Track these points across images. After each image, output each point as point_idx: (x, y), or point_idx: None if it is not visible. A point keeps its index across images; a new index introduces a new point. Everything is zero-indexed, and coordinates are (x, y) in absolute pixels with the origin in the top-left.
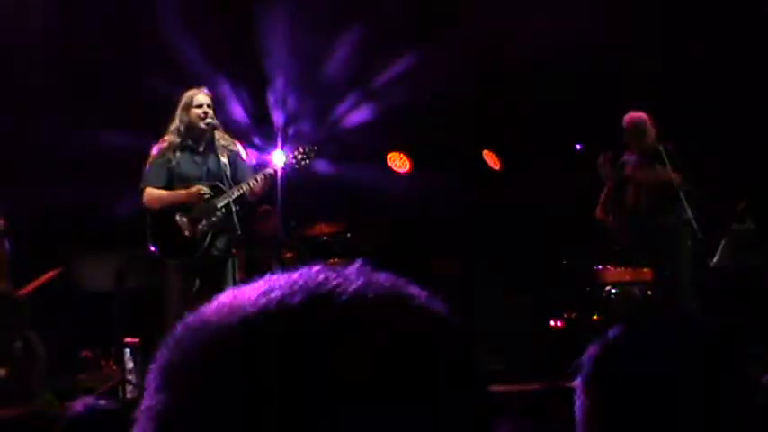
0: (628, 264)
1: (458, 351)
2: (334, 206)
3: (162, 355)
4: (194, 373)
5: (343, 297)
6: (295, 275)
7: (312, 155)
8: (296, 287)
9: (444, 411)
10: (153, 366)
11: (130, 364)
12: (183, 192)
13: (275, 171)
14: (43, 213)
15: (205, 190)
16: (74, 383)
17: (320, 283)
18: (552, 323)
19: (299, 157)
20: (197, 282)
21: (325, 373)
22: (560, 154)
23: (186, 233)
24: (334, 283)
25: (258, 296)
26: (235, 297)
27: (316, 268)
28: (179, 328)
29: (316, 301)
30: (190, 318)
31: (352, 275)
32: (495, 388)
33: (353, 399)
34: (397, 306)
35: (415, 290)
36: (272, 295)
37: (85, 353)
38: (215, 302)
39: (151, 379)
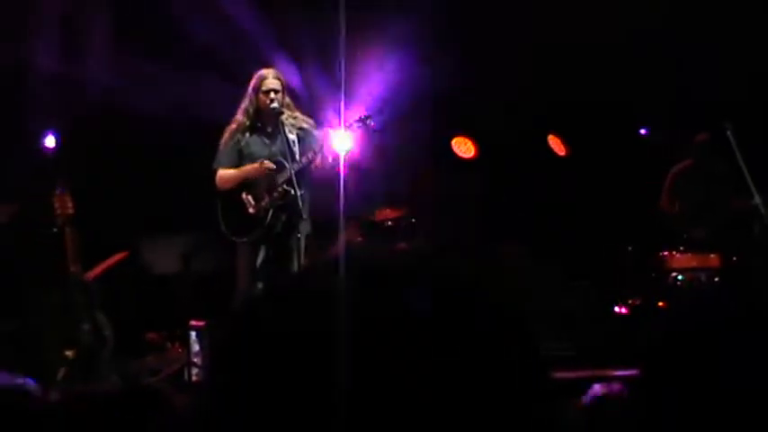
0: (694, 250)
1: (516, 335)
2: (397, 191)
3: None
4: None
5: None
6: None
7: (367, 121)
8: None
9: (503, 394)
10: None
11: (196, 347)
12: (249, 166)
13: (330, 142)
14: (110, 196)
15: (269, 163)
16: (140, 366)
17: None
18: (617, 309)
19: (355, 125)
20: (262, 259)
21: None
22: (626, 138)
23: (251, 210)
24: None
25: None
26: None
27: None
28: (244, 303)
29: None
30: (256, 293)
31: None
32: (560, 374)
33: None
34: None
35: (475, 275)
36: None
37: (151, 335)
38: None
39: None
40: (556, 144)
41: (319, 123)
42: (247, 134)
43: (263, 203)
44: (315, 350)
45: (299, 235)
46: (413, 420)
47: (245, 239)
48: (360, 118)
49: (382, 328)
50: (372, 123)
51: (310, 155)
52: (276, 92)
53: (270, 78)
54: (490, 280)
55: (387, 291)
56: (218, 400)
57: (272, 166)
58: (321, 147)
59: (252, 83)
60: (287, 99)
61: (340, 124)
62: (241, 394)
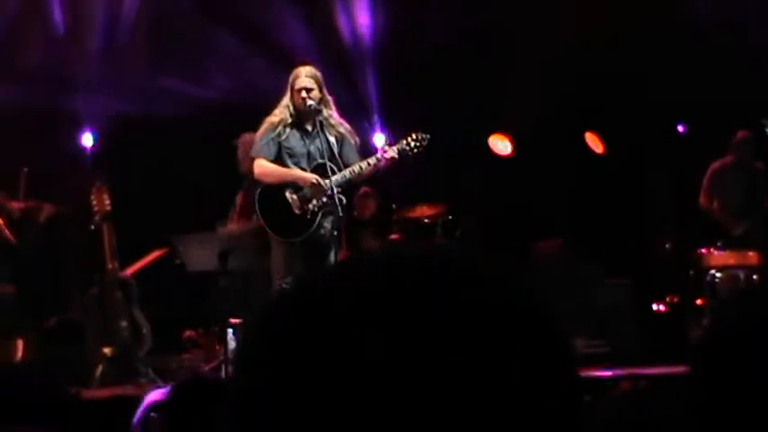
0: (733, 247)
1: (543, 330)
2: (434, 188)
3: (258, 330)
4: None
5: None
6: (388, 254)
7: (425, 143)
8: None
9: (528, 386)
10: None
11: (233, 344)
12: (299, 173)
13: (391, 158)
14: (149, 193)
15: (323, 183)
16: (177, 363)
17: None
18: (655, 307)
19: (413, 144)
20: (301, 260)
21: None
22: (664, 135)
23: (297, 211)
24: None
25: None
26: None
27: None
28: (268, 305)
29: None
30: (279, 296)
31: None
32: (598, 371)
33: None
34: (486, 283)
35: (505, 268)
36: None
37: (189, 333)
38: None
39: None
40: (593, 141)
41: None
42: (288, 129)
43: (310, 206)
44: (342, 348)
45: (334, 233)
46: (441, 418)
47: (291, 240)
48: (417, 138)
49: (405, 325)
50: (426, 144)
51: (363, 165)
52: (308, 90)
53: (302, 77)
54: (516, 277)
55: (408, 288)
56: (240, 400)
57: (326, 186)
58: (377, 160)
59: (289, 80)
60: (326, 96)
61: (395, 143)
62: (263, 394)
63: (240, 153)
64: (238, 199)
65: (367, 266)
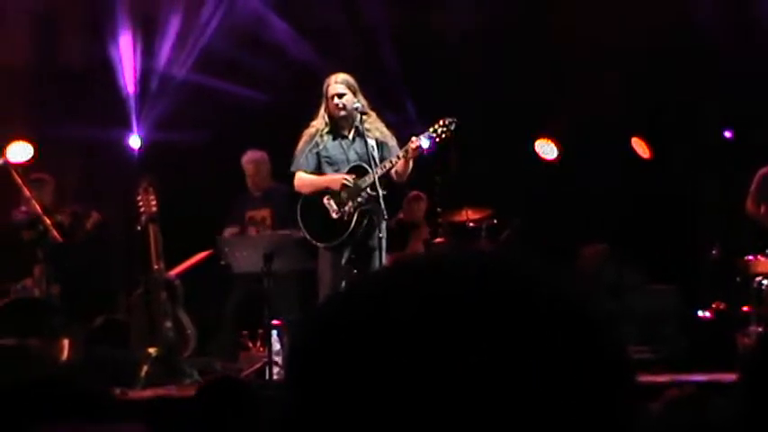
0: None
1: (597, 337)
2: (480, 192)
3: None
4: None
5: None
6: (432, 260)
7: (452, 126)
8: (433, 272)
9: (583, 392)
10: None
11: (277, 346)
12: (329, 177)
13: (417, 146)
14: (195, 195)
15: (348, 179)
16: (222, 364)
17: (458, 270)
18: (701, 313)
19: (440, 130)
20: (345, 264)
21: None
22: (711, 140)
23: (333, 215)
24: (472, 269)
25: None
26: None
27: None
28: (321, 310)
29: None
30: (331, 300)
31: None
32: (643, 377)
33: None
34: (532, 291)
35: (553, 275)
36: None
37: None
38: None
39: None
40: (640, 146)
41: (397, 128)
42: (325, 138)
43: (346, 209)
44: (393, 354)
45: (380, 235)
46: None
47: (328, 244)
48: (443, 123)
49: (467, 334)
50: (454, 128)
51: (393, 160)
52: (341, 95)
53: (334, 84)
54: (573, 283)
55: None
56: (294, 404)
57: (350, 180)
58: (406, 152)
59: (323, 88)
60: (362, 101)
61: (424, 131)
62: (317, 399)
63: (250, 171)
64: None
65: (418, 273)
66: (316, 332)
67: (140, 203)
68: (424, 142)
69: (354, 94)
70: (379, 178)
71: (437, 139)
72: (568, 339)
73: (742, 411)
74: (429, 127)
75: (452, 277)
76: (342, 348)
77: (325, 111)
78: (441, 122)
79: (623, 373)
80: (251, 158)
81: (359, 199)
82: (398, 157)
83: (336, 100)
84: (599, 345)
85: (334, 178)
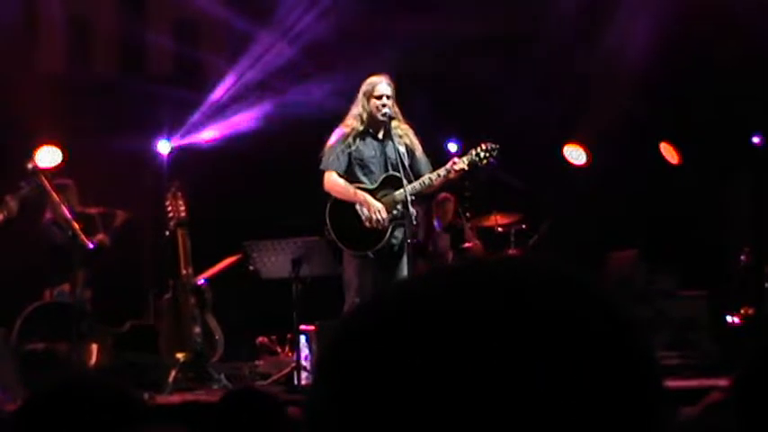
0: None
1: (625, 339)
2: (510, 197)
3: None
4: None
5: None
6: (455, 270)
7: (494, 153)
8: (455, 285)
9: (616, 398)
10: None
11: (305, 351)
12: (364, 197)
13: (460, 169)
14: (224, 200)
15: (384, 215)
16: (250, 369)
17: (485, 279)
18: (729, 319)
19: (483, 155)
20: (374, 271)
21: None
22: (740, 146)
23: (367, 224)
24: (494, 281)
25: (422, 290)
26: (403, 289)
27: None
28: (351, 318)
29: (482, 294)
30: (354, 312)
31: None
32: (670, 382)
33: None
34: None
35: (586, 280)
36: (436, 289)
37: (262, 339)
38: (384, 293)
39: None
40: (669, 152)
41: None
42: (358, 139)
43: (378, 222)
44: (428, 367)
45: (409, 241)
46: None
47: (359, 253)
48: (486, 148)
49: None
50: (496, 153)
51: (433, 177)
52: (388, 97)
53: (382, 84)
54: (607, 290)
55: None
56: (317, 412)
57: (386, 216)
58: (447, 172)
59: (363, 88)
60: (396, 108)
61: (464, 153)
62: (344, 408)
63: None
64: None
65: (455, 284)
66: (346, 341)
67: (169, 208)
68: (467, 165)
69: (395, 99)
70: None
71: (479, 164)
72: (606, 349)
73: (737, 424)
74: (472, 149)
75: (488, 288)
76: (373, 359)
77: (363, 110)
78: (483, 146)
79: (654, 379)
80: None
81: (394, 212)
82: (438, 175)
83: (385, 100)
84: (633, 352)
85: (372, 204)
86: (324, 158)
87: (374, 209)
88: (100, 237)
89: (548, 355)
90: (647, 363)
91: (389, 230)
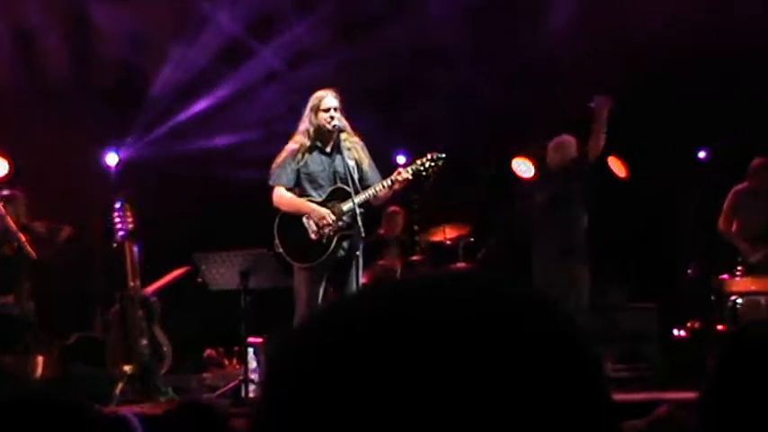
0: (754, 273)
1: (573, 354)
2: (458, 210)
3: (276, 356)
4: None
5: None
6: (402, 283)
7: (440, 162)
8: (403, 295)
9: (563, 413)
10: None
11: (254, 363)
12: (311, 206)
13: (405, 179)
14: (172, 212)
15: (332, 218)
16: (197, 382)
17: (429, 294)
18: (676, 332)
19: (428, 164)
20: (323, 283)
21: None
22: (686, 160)
23: (312, 236)
24: (443, 291)
25: (369, 302)
26: (348, 303)
27: (427, 274)
28: (297, 331)
29: (422, 311)
30: (302, 323)
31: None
32: (618, 396)
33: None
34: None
35: (529, 296)
36: (382, 303)
37: (209, 351)
38: (329, 307)
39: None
40: (616, 165)
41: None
42: (306, 154)
43: (326, 231)
44: (370, 380)
45: (357, 253)
46: None
47: (306, 265)
48: (432, 158)
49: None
50: (442, 163)
51: (378, 188)
52: (335, 109)
53: (329, 97)
54: (554, 305)
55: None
56: (265, 424)
57: (333, 219)
58: (392, 182)
59: (310, 103)
60: (344, 120)
61: (410, 163)
62: (291, 419)
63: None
64: None
65: (399, 296)
66: (290, 354)
67: (117, 220)
68: (411, 175)
69: (342, 112)
70: (358, 203)
71: (424, 173)
72: (553, 362)
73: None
74: (417, 159)
75: (433, 301)
76: (315, 372)
77: (310, 124)
78: (429, 156)
79: (599, 391)
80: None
81: (339, 223)
82: (383, 186)
83: (333, 113)
84: (576, 363)
85: (317, 211)
86: (272, 174)
87: (320, 215)
88: (67, 230)
89: (496, 374)
90: (592, 375)
91: (335, 241)
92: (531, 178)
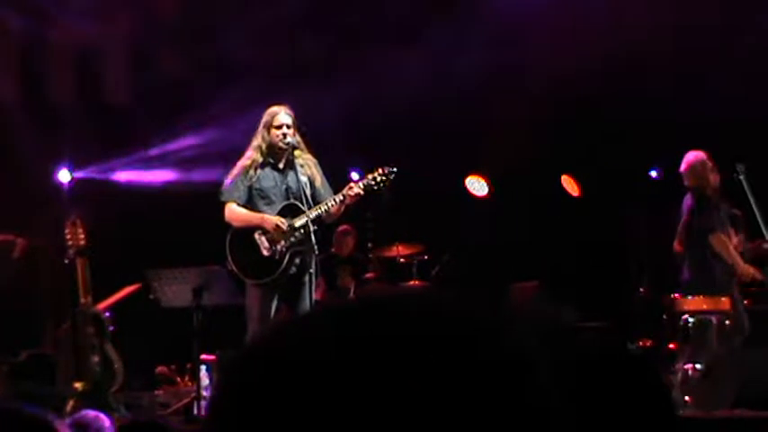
0: (705, 293)
1: (524, 375)
2: (411, 228)
3: (226, 374)
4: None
5: (400, 324)
6: (357, 300)
7: (392, 176)
8: (357, 313)
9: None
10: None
11: (206, 381)
12: (262, 216)
13: (356, 194)
14: (125, 229)
15: (284, 224)
16: (149, 399)
17: (381, 312)
18: None
19: (379, 178)
20: (275, 300)
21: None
22: (638, 179)
23: (265, 252)
24: (396, 308)
25: (318, 322)
26: (301, 321)
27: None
28: (244, 348)
29: (374, 329)
30: (255, 339)
31: (415, 299)
32: None
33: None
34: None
35: (484, 313)
36: (331, 322)
37: (161, 368)
38: (281, 326)
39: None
40: (569, 184)
41: (332, 171)
42: (258, 170)
43: (278, 247)
44: (320, 398)
45: (310, 270)
46: None
47: (258, 281)
48: (383, 172)
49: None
50: (393, 177)
51: (330, 203)
52: (288, 126)
53: (281, 114)
54: (506, 323)
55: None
56: None
57: (286, 225)
58: (343, 197)
59: (263, 119)
60: (297, 137)
61: (362, 179)
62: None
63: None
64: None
65: (350, 315)
66: (238, 371)
67: (68, 237)
68: (363, 190)
69: (295, 128)
70: (311, 219)
71: (375, 188)
72: (505, 384)
73: None
74: (368, 174)
75: (385, 319)
76: (263, 389)
77: (263, 141)
78: (381, 171)
79: (546, 410)
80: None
81: (292, 239)
82: (335, 201)
83: (285, 130)
84: (525, 383)
85: (269, 219)
86: (224, 191)
87: (272, 223)
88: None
89: (443, 394)
90: (539, 394)
91: (287, 258)
92: (485, 196)
